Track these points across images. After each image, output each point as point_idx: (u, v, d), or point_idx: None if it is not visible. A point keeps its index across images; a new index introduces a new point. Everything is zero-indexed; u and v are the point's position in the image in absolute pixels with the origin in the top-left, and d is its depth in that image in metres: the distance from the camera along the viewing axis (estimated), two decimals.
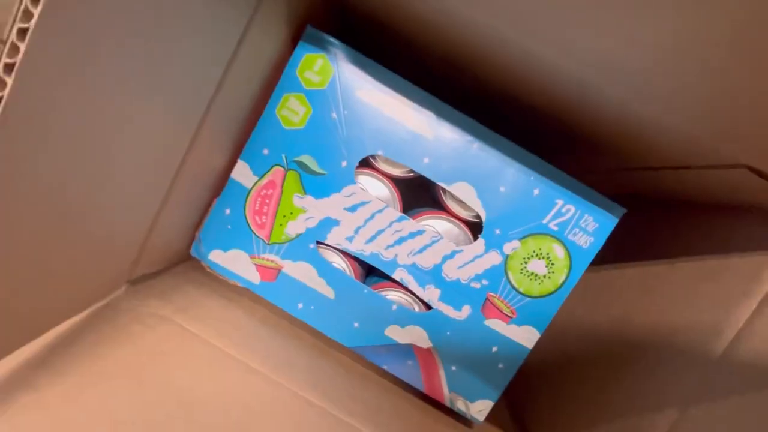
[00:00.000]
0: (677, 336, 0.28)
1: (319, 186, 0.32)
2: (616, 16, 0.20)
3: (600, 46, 0.23)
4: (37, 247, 0.20)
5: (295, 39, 0.32)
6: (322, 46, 0.31)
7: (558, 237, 0.32)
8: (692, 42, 0.20)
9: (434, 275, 0.33)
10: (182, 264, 0.36)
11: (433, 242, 0.33)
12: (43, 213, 0.19)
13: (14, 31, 0.14)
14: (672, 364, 0.27)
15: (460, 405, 0.35)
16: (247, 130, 0.33)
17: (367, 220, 0.33)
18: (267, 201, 0.33)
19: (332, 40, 0.31)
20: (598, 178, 0.37)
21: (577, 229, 0.32)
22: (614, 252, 0.33)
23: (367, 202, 0.32)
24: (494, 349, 0.33)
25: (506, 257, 0.32)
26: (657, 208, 0.38)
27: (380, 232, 0.33)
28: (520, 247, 0.32)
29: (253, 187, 0.33)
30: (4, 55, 0.14)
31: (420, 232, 0.33)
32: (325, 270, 0.34)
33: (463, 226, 0.34)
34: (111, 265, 0.27)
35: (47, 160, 0.18)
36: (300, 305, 0.34)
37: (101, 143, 0.20)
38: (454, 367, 0.34)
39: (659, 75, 0.23)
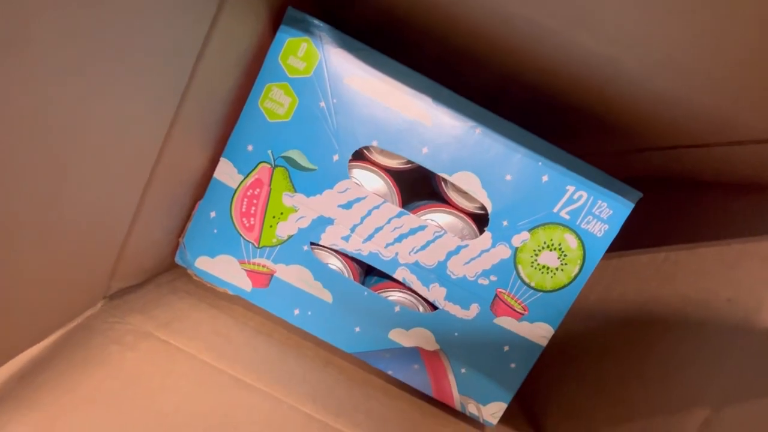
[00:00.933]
0: (705, 327, 0.26)
1: (310, 182, 0.30)
2: None
3: (618, 15, 0.20)
4: None
5: (275, 23, 0.30)
6: (305, 29, 0.28)
7: (570, 226, 0.30)
8: (720, 6, 0.17)
9: (439, 273, 0.31)
10: (167, 273, 0.33)
11: (436, 238, 0.30)
12: None
13: None
14: (701, 358, 0.25)
15: (472, 408, 0.33)
16: (229, 124, 0.30)
17: (363, 218, 0.30)
18: (254, 201, 0.31)
19: (317, 22, 0.28)
20: (609, 160, 0.34)
21: (590, 217, 0.29)
22: (628, 237, 0.31)
23: (363, 198, 0.30)
24: (506, 348, 0.31)
25: (515, 250, 0.30)
26: (672, 191, 0.36)
27: (378, 229, 0.30)
28: (529, 238, 0.30)
29: (238, 186, 0.31)
30: None
31: (421, 228, 0.30)
32: (321, 272, 0.31)
33: (467, 219, 0.32)
34: (83, 281, 0.25)
35: None
36: (296, 311, 0.32)
37: (58, 140, 0.17)
38: (463, 369, 0.32)
39: (682, 45, 0.21)
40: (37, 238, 0.19)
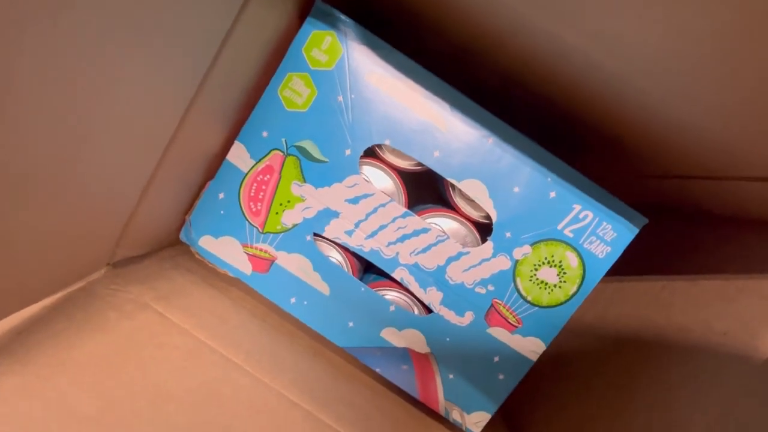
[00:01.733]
0: (698, 357, 0.26)
1: (319, 174, 0.30)
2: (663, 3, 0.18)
3: (639, 37, 0.20)
4: (4, 220, 0.18)
5: (302, 14, 0.30)
6: (331, 23, 0.29)
7: (572, 244, 0.30)
8: (749, 41, 0.17)
9: (437, 277, 0.31)
10: (170, 248, 0.34)
11: (438, 242, 0.30)
12: (10, 181, 0.17)
13: None
14: (691, 386, 0.25)
15: (456, 415, 0.33)
16: (246, 109, 0.31)
17: (369, 214, 0.30)
18: (263, 187, 0.31)
19: (343, 17, 0.29)
20: (619, 183, 0.34)
21: (593, 237, 0.30)
22: (628, 261, 0.31)
23: (371, 195, 0.30)
24: (496, 359, 0.31)
25: (515, 263, 0.30)
26: (678, 220, 0.35)
27: (382, 227, 0.31)
28: (531, 252, 0.30)
29: (249, 171, 0.31)
30: None
31: (425, 231, 0.30)
32: (321, 264, 0.32)
33: (471, 226, 0.32)
34: (90, 245, 0.25)
35: (13, 120, 0.15)
36: (293, 300, 0.32)
37: (79, 104, 0.18)
38: (451, 375, 0.32)
39: (700, 74, 0.21)
40: (52, 196, 0.19)
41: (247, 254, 0.32)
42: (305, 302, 0.32)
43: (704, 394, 0.25)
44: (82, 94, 0.17)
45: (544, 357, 0.32)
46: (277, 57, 0.30)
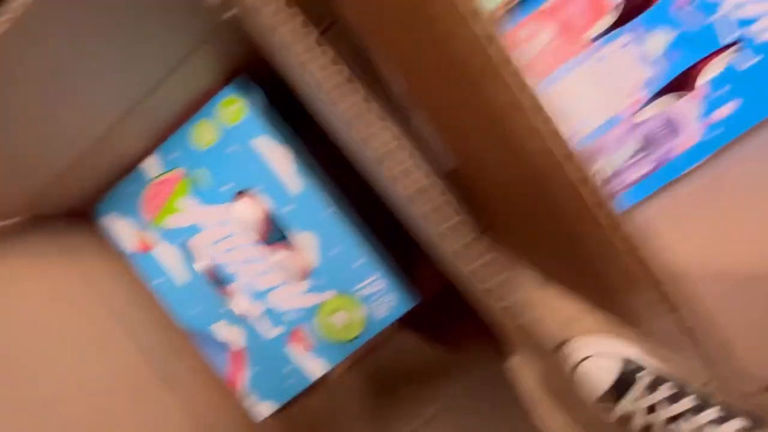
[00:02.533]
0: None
1: (203, 196, 0.41)
2: None
3: None
4: None
5: (229, 80, 0.41)
6: (246, 93, 0.40)
7: (364, 302, 0.40)
8: None
9: (263, 296, 0.41)
10: (83, 216, 0.43)
11: (272, 270, 0.41)
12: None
13: None
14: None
15: (251, 401, 0.43)
16: (167, 132, 0.41)
17: (227, 236, 0.41)
18: (161, 193, 0.41)
19: (258, 92, 0.39)
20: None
21: (380, 302, 0.40)
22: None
23: (234, 221, 0.41)
24: (288, 368, 0.42)
25: (321, 303, 0.40)
26: None
27: (236, 247, 0.41)
28: (334, 298, 0.40)
29: (155, 177, 0.41)
30: None
31: (264, 259, 0.41)
32: (187, 261, 0.42)
33: (299, 267, 0.42)
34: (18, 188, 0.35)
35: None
36: (158, 280, 0.42)
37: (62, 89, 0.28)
38: (257, 368, 0.42)
39: None
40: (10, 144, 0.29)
41: (136, 237, 0.42)
42: (166, 284, 0.42)
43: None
44: (67, 82, 0.27)
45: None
46: (201, 103, 0.40)
